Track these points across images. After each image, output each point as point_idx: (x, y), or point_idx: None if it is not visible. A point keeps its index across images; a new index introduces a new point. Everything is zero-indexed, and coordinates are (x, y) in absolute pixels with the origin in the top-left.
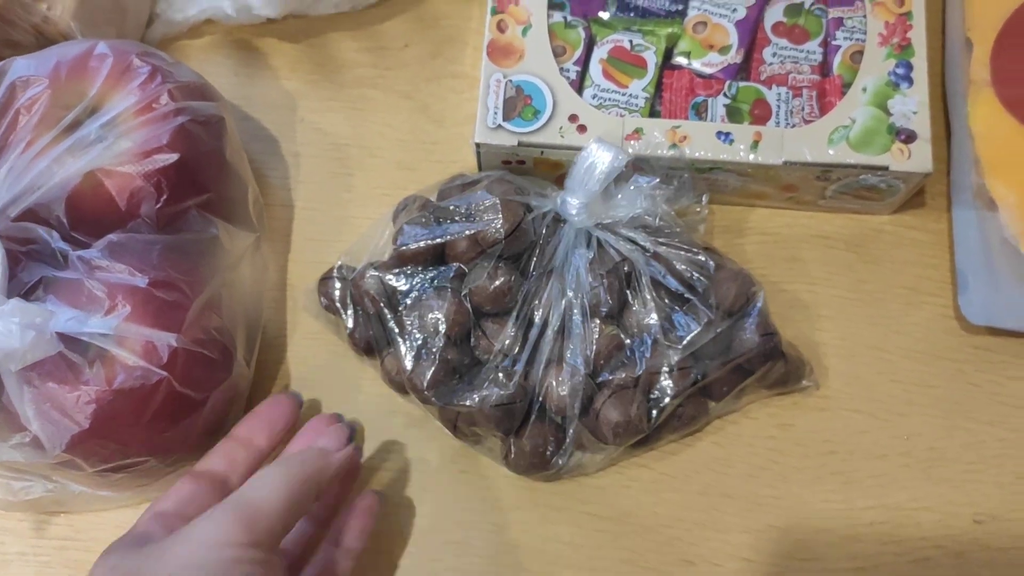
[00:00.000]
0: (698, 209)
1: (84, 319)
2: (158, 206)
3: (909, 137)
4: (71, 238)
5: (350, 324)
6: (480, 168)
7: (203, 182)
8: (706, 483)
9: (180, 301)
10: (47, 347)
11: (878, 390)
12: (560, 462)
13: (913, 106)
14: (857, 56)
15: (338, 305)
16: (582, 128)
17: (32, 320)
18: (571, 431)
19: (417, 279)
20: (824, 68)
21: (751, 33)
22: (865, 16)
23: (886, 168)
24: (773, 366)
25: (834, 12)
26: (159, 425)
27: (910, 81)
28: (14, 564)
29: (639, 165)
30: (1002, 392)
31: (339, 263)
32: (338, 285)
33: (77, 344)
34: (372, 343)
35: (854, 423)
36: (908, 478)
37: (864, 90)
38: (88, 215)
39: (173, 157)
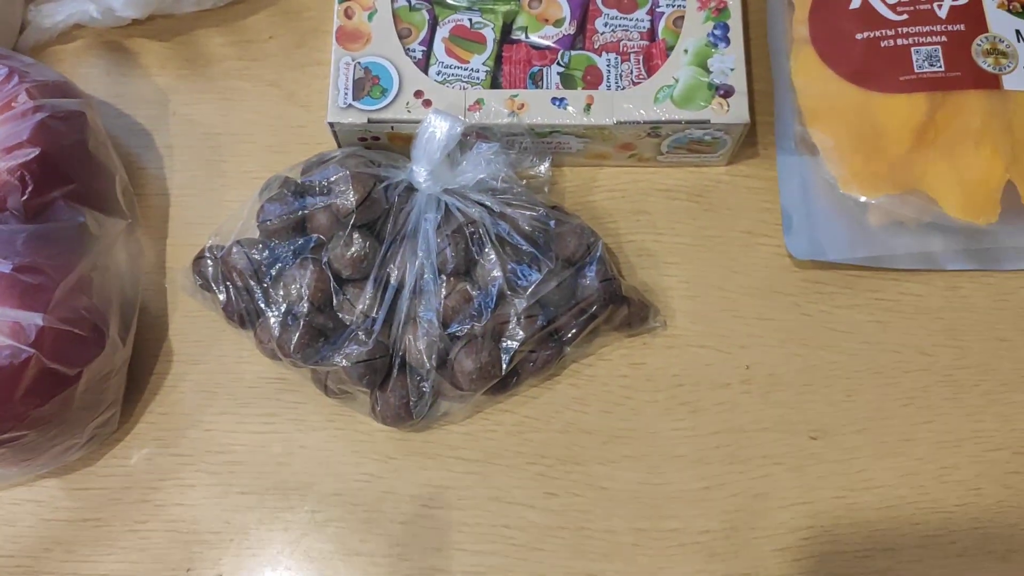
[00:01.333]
0: (541, 171)
1: None
2: (24, 198)
3: (727, 92)
4: None
5: (223, 299)
6: (339, 147)
7: (67, 173)
8: (566, 422)
9: (45, 284)
10: None
11: (721, 326)
12: (422, 410)
13: (731, 64)
14: (679, 21)
15: (211, 282)
16: (427, 103)
17: None
18: (430, 382)
19: (280, 252)
20: (651, 34)
21: (583, 6)
22: None
23: (707, 121)
24: (617, 309)
25: None
26: (32, 400)
27: (727, 41)
28: None
29: (483, 134)
30: (831, 319)
31: (210, 243)
32: (210, 263)
33: None
34: (244, 315)
35: (699, 357)
36: (749, 403)
37: (686, 51)
38: None
39: (35, 151)
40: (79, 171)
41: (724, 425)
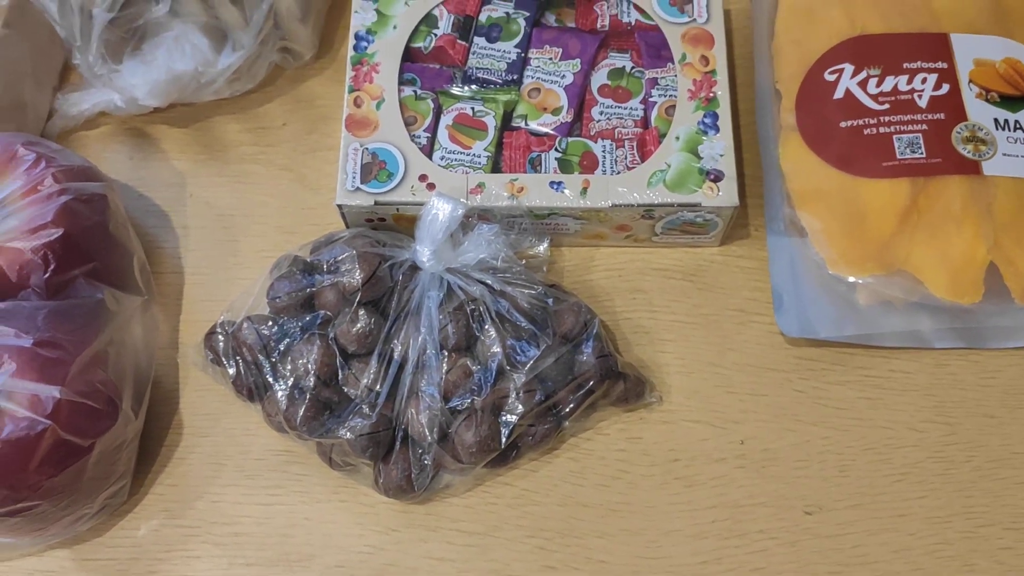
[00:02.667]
0: (540, 251)
1: None
2: (46, 276)
3: (717, 177)
4: None
5: (232, 373)
6: (347, 227)
7: (88, 253)
8: (564, 495)
9: (63, 358)
10: None
11: (715, 401)
12: (424, 483)
13: (720, 150)
14: (671, 110)
15: (222, 357)
16: (431, 186)
17: None
18: (431, 454)
19: (289, 328)
20: (644, 122)
21: (579, 95)
22: (676, 76)
23: (698, 204)
24: (613, 384)
25: (650, 73)
26: (47, 470)
27: (717, 129)
28: None
29: (484, 215)
30: (823, 396)
31: (221, 319)
32: (221, 339)
33: None
34: (253, 389)
35: (695, 432)
36: (744, 478)
37: (677, 138)
38: None
39: (58, 232)
40: (99, 250)
41: (720, 500)
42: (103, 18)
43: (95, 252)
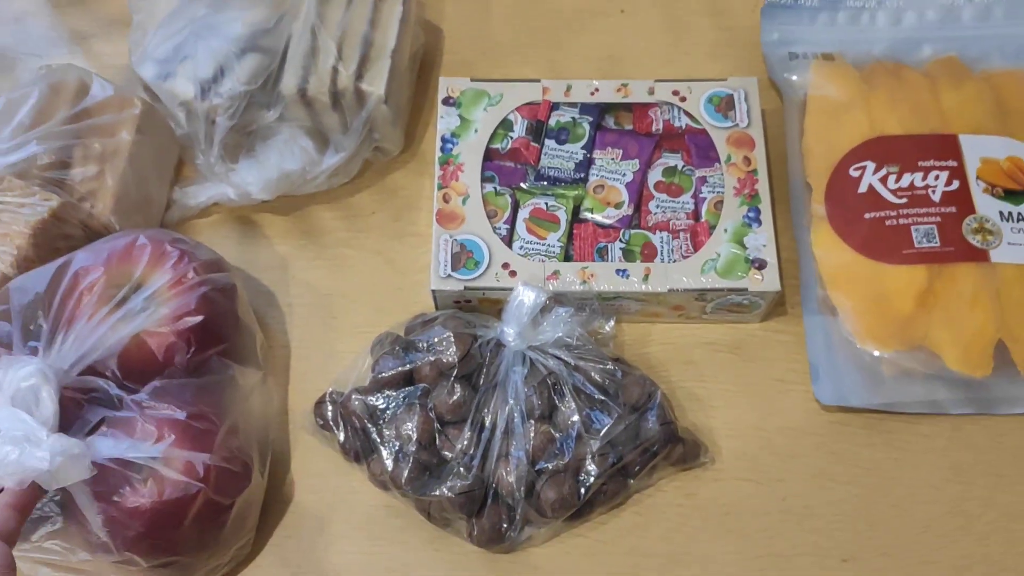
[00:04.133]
0: (607, 329)
1: (139, 446)
2: (188, 356)
3: (761, 265)
4: (123, 385)
5: (341, 438)
6: (436, 307)
7: (221, 335)
8: (630, 545)
9: (210, 429)
10: (80, 472)
11: (760, 461)
12: (512, 535)
13: (763, 241)
14: (719, 204)
15: (331, 423)
16: (513, 273)
17: (63, 451)
18: (519, 510)
19: (392, 398)
20: (696, 215)
21: (638, 191)
22: (723, 174)
23: (746, 289)
24: (673, 447)
25: (700, 172)
26: (198, 526)
27: (759, 222)
28: None
29: (559, 299)
30: (855, 456)
31: (330, 390)
32: (330, 407)
33: (133, 466)
34: (359, 452)
35: (743, 489)
36: (787, 530)
37: (725, 231)
38: (135, 367)
39: (199, 319)
40: (230, 333)
41: (766, 550)
42: (225, 125)
43: (226, 334)
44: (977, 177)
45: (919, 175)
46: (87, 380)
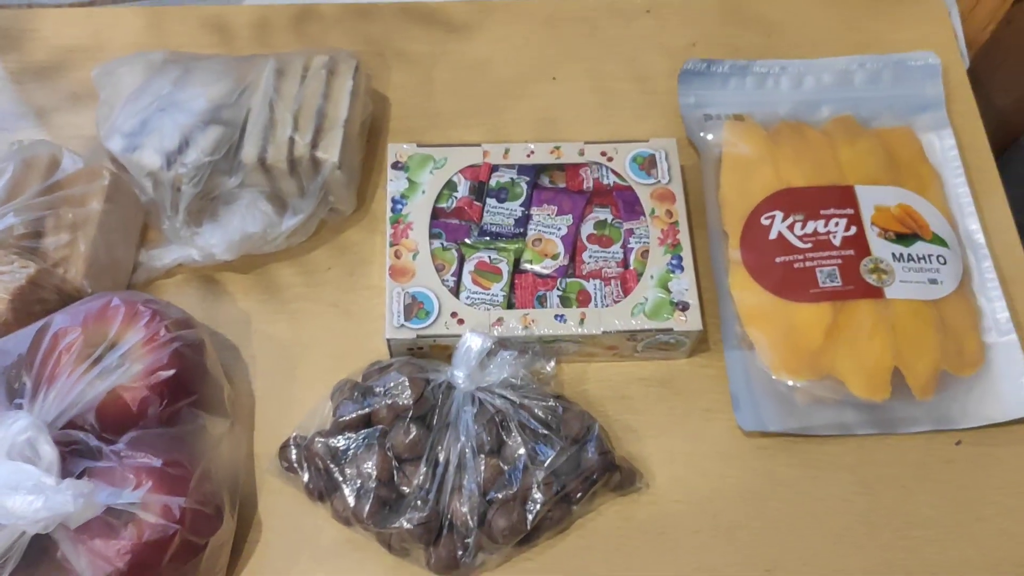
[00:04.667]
0: (548, 369)
1: (119, 494)
2: (160, 408)
3: (685, 307)
4: (102, 437)
5: (305, 478)
6: (391, 355)
7: (191, 388)
8: (576, 567)
9: (184, 475)
10: (94, 510)
11: (691, 484)
12: (467, 561)
13: (686, 285)
14: (645, 254)
15: (295, 465)
16: (461, 321)
17: (81, 492)
18: (472, 538)
19: (352, 439)
20: (625, 263)
21: (573, 243)
22: (648, 226)
23: (671, 329)
24: (611, 475)
25: (627, 224)
26: (174, 564)
27: (682, 268)
28: None
29: (503, 343)
30: (775, 476)
31: (293, 434)
32: (294, 450)
33: (114, 511)
34: (323, 491)
35: (676, 510)
36: (718, 545)
37: (652, 277)
38: (112, 420)
39: (170, 372)
40: (199, 385)
41: (700, 563)
42: (190, 192)
43: (196, 386)
44: (872, 223)
45: (821, 222)
46: (69, 433)
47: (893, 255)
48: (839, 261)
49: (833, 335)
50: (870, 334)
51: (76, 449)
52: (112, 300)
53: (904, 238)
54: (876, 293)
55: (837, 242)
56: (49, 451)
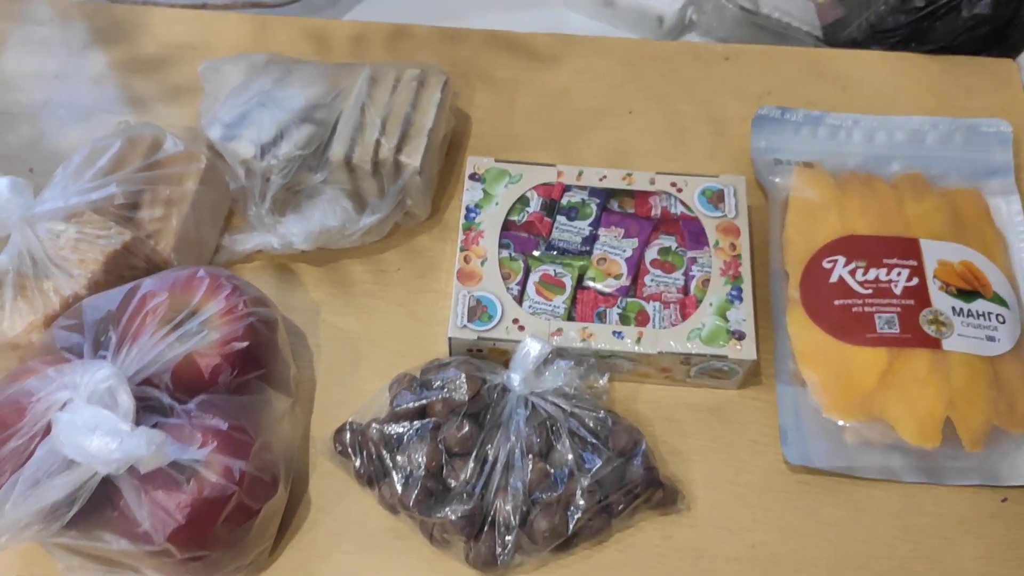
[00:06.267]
0: (601, 383)
1: (186, 449)
2: (231, 377)
3: (740, 336)
4: (174, 397)
5: (357, 463)
6: (451, 354)
7: (261, 362)
8: None
9: (247, 440)
10: (163, 459)
11: (732, 512)
12: (505, 560)
13: (743, 315)
14: (706, 283)
15: (348, 449)
16: (521, 328)
17: (153, 440)
18: (513, 537)
19: (406, 429)
20: (685, 290)
21: (636, 266)
22: (711, 256)
23: (726, 356)
24: (654, 491)
25: (691, 253)
26: (229, 525)
27: (741, 299)
28: None
29: (561, 353)
30: (816, 513)
31: (350, 420)
32: (348, 435)
33: (179, 466)
34: (372, 477)
35: (716, 536)
36: (753, 574)
37: (711, 305)
38: (185, 382)
39: (244, 344)
40: (269, 361)
41: None
42: (278, 183)
43: (266, 361)
44: (934, 276)
45: (883, 271)
46: (145, 389)
47: (953, 309)
48: (898, 309)
49: (887, 380)
50: (924, 382)
51: (150, 405)
52: (199, 272)
53: (965, 294)
54: (934, 344)
55: (898, 291)
56: (127, 400)
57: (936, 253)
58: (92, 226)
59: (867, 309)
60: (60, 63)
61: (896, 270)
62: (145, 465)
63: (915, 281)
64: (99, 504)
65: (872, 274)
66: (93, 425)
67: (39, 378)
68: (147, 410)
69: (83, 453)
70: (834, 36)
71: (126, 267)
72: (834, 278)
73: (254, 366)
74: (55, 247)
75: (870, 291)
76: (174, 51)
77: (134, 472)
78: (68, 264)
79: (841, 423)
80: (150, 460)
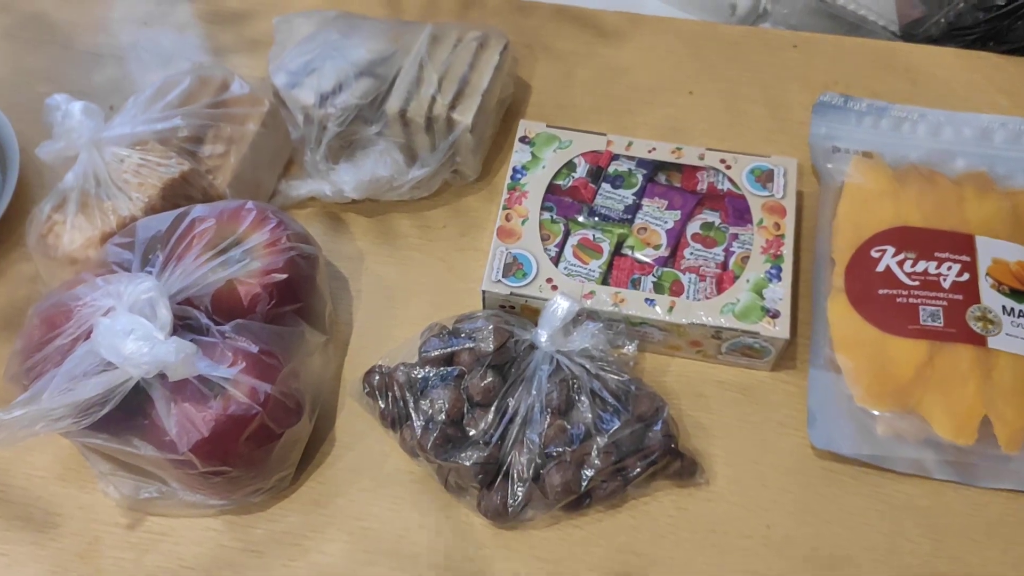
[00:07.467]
0: (629, 350)
1: (215, 367)
2: (268, 307)
3: (775, 315)
4: (212, 319)
5: (382, 405)
6: (483, 308)
7: (299, 295)
8: (621, 543)
9: (275, 366)
10: (191, 369)
11: (750, 490)
12: (516, 511)
13: (780, 295)
14: (746, 260)
15: (375, 391)
16: (554, 287)
17: (183, 349)
18: (526, 489)
19: (432, 374)
20: (724, 265)
21: (677, 238)
22: (753, 234)
23: (758, 333)
24: (672, 461)
25: (733, 229)
26: (250, 444)
27: (779, 279)
28: (125, 548)
29: (591, 315)
30: (839, 500)
31: (380, 363)
32: (377, 378)
33: (208, 382)
34: (396, 419)
35: (731, 512)
36: (767, 554)
37: (748, 281)
38: (223, 307)
39: (283, 276)
40: (306, 295)
41: (744, 568)
42: (333, 131)
43: (303, 296)
44: (987, 273)
45: (933, 263)
46: (185, 309)
47: (1003, 308)
48: (944, 303)
49: (925, 373)
50: (965, 378)
51: (188, 323)
52: (247, 204)
53: (1018, 294)
54: (979, 340)
55: (946, 285)
56: (165, 313)
57: (992, 251)
58: (155, 154)
59: (912, 300)
60: (147, 11)
61: (946, 264)
62: (173, 372)
63: (965, 277)
64: (133, 412)
65: (921, 266)
66: (129, 330)
67: (88, 286)
68: (185, 328)
69: (117, 354)
70: (911, 32)
71: (182, 196)
72: (881, 267)
73: (291, 299)
74: (119, 171)
75: (917, 283)
76: (254, 6)
77: (166, 383)
78: (128, 187)
79: (874, 412)
80: (178, 368)
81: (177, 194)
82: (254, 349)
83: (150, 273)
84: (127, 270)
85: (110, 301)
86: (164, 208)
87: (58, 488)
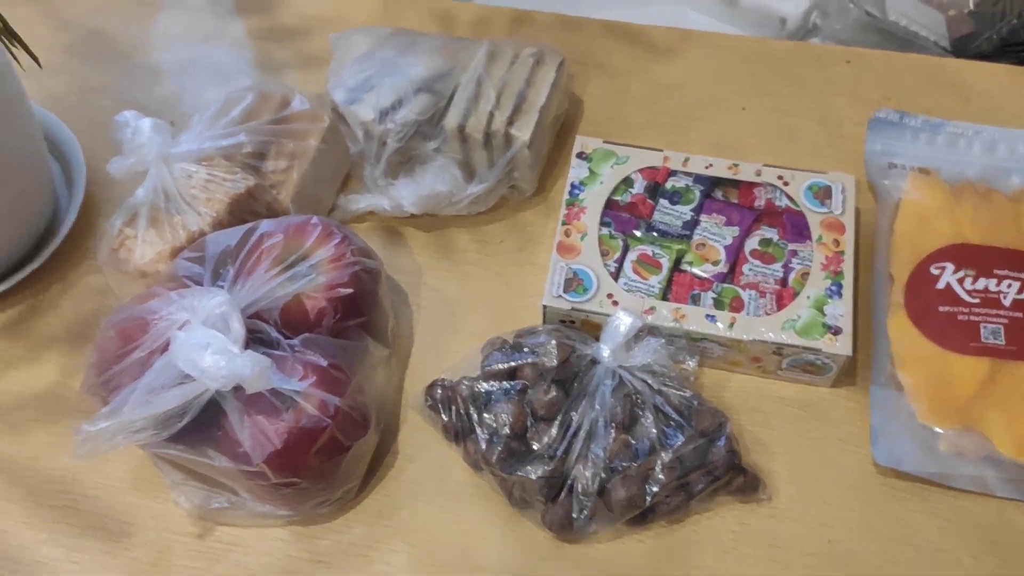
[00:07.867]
0: (690, 365)
1: (287, 380)
2: (334, 321)
3: (836, 331)
4: (281, 332)
5: (445, 419)
6: (544, 323)
7: (363, 309)
8: (684, 557)
9: (343, 380)
10: (266, 382)
11: (812, 507)
12: (581, 525)
13: (841, 311)
14: (806, 276)
15: (438, 404)
16: (615, 303)
17: (259, 363)
18: (590, 503)
19: (495, 389)
20: (783, 282)
21: (735, 254)
22: (812, 251)
23: (819, 350)
24: (735, 476)
25: (792, 246)
26: (320, 456)
27: (840, 295)
28: (196, 558)
29: (652, 331)
30: (901, 518)
31: (442, 377)
32: (439, 391)
33: (279, 395)
34: (459, 432)
35: (793, 528)
36: (828, 571)
37: (808, 297)
38: (291, 321)
39: (348, 291)
40: (370, 310)
41: None
42: (393, 146)
43: (367, 310)
44: None
45: (993, 281)
46: (255, 322)
47: None
48: (1006, 321)
49: (987, 391)
50: None
51: (259, 337)
52: (313, 219)
53: None
54: None
55: (1007, 302)
56: (238, 327)
57: None
58: (221, 170)
59: (973, 318)
60: (207, 28)
61: (1007, 282)
62: (250, 385)
63: None
64: (207, 424)
65: (981, 284)
66: (206, 344)
67: (162, 300)
68: (256, 341)
69: (196, 368)
70: (962, 48)
71: (248, 211)
72: (941, 284)
73: (356, 313)
74: (187, 186)
75: (977, 300)
76: (310, 22)
77: (240, 395)
78: (197, 202)
79: (936, 430)
80: (254, 381)
81: (243, 209)
82: (323, 363)
83: (221, 287)
84: (198, 284)
85: (185, 315)
86: (231, 223)
87: (131, 498)
